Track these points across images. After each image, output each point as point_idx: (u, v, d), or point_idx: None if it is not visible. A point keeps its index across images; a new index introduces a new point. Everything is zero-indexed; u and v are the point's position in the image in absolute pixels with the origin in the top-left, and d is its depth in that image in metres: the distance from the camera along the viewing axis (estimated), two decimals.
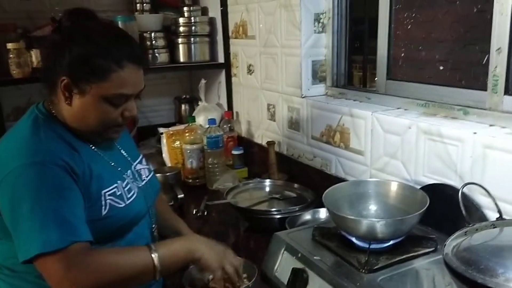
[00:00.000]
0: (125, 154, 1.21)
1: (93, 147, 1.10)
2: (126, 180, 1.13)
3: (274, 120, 1.99)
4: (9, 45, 1.84)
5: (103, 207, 1.04)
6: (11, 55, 1.85)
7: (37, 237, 0.91)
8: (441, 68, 1.42)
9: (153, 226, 1.21)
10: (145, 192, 1.19)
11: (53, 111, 1.07)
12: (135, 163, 1.23)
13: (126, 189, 1.11)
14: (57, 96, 1.05)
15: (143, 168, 1.25)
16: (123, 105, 1.06)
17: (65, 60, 1.01)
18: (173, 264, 1.04)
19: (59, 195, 0.95)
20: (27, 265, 1.03)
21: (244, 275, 1.14)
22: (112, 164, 1.13)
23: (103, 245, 1.05)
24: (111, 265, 0.97)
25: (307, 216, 1.48)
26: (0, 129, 1.83)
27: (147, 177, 1.24)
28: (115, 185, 1.09)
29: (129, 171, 1.18)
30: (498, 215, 0.93)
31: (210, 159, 1.98)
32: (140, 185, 1.18)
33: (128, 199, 1.10)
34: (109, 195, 1.06)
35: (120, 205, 1.07)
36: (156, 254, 1.00)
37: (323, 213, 1.47)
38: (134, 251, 1.03)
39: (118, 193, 1.08)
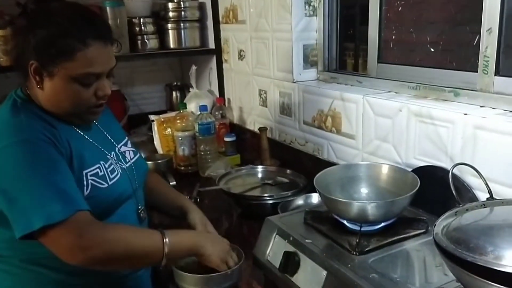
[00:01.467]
0: (108, 136, 1.20)
1: (74, 127, 1.10)
2: (110, 161, 1.13)
3: (266, 106, 1.98)
4: None
5: (85, 187, 1.04)
6: None
7: (39, 210, 0.91)
8: (432, 50, 1.41)
9: (140, 207, 1.21)
10: (130, 173, 1.18)
11: (31, 96, 1.07)
12: (119, 145, 1.22)
13: (109, 169, 1.11)
14: (30, 81, 1.05)
15: (128, 150, 1.25)
16: (94, 85, 1.05)
17: (31, 44, 1.00)
18: (179, 253, 1.06)
19: (53, 168, 0.96)
20: (11, 250, 1.04)
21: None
22: (95, 144, 1.13)
23: None
24: (123, 238, 0.98)
25: (300, 201, 1.48)
26: None
27: (132, 159, 1.23)
28: (97, 165, 1.09)
29: (112, 152, 1.18)
30: (488, 195, 0.93)
31: (202, 146, 1.97)
32: (124, 167, 1.18)
33: (111, 179, 1.10)
34: (91, 175, 1.06)
35: (103, 186, 1.07)
36: (168, 240, 1.01)
37: (315, 198, 1.47)
38: (147, 232, 1.05)
39: (101, 174, 1.08)
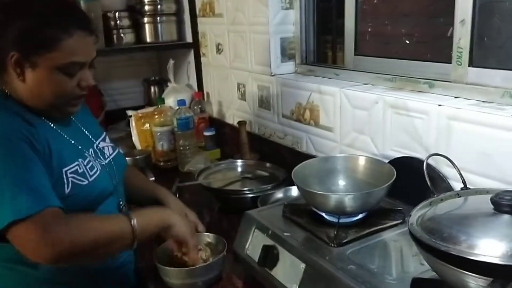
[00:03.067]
0: (86, 132, 1.19)
1: (51, 125, 1.08)
2: (88, 158, 1.12)
3: (245, 100, 1.97)
4: None
5: (66, 185, 1.02)
6: None
7: (8, 206, 0.89)
8: (407, 42, 1.42)
9: (121, 203, 1.20)
10: (109, 169, 1.17)
11: (7, 91, 1.05)
12: (97, 141, 1.21)
13: (88, 166, 1.09)
14: (9, 75, 1.02)
15: (107, 145, 1.24)
16: (77, 75, 1.04)
17: (10, 36, 0.98)
18: (148, 232, 1.04)
19: (25, 167, 0.94)
20: None
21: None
22: (72, 142, 1.11)
23: None
24: (90, 227, 0.96)
25: (279, 194, 1.48)
26: None
27: (111, 154, 1.22)
28: (76, 162, 1.07)
29: (90, 149, 1.16)
30: (462, 185, 0.94)
31: (181, 141, 1.95)
32: (103, 163, 1.16)
33: (91, 176, 1.09)
34: (70, 173, 1.04)
35: (83, 183, 1.06)
36: (135, 221, 0.99)
37: (295, 191, 1.48)
38: (113, 217, 1.04)
39: (80, 171, 1.07)
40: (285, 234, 1.04)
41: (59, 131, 1.09)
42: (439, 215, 0.80)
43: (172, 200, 1.32)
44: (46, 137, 1.02)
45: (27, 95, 1.03)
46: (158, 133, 1.99)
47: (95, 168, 1.11)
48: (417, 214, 0.82)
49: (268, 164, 1.71)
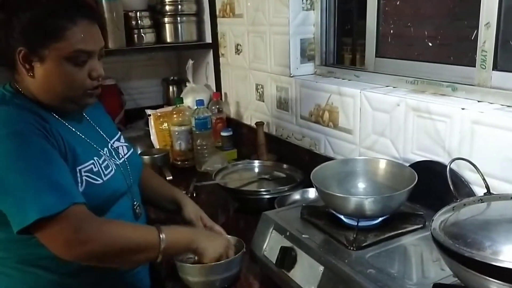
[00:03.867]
0: (100, 131, 1.19)
1: (65, 123, 1.08)
2: (103, 157, 1.11)
3: (263, 101, 1.97)
4: None
5: (80, 184, 1.02)
6: None
7: (34, 203, 0.88)
8: (430, 44, 1.40)
9: (135, 204, 1.19)
10: (124, 169, 1.17)
11: (20, 89, 1.05)
12: (112, 141, 1.21)
13: (103, 165, 1.09)
14: (19, 73, 1.03)
15: (121, 145, 1.23)
16: (87, 65, 1.03)
17: (15, 31, 0.98)
18: (175, 250, 1.05)
19: (46, 160, 0.93)
20: (6, 251, 1.02)
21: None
22: (87, 140, 1.11)
23: None
24: (121, 232, 0.97)
25: (296, 196, 1.47)
26: None
27: (125, 154, 1.22)
28: (91, 161, 1.07)
29: (105, 148, 1.16)
30: (485, 190, 0.93)
31: (198, 141, 1.96)
32: (118, 163, 1.16)
33: (105, 175, 1.08)
34: (85, 171, 1.04)
35: (98, 182, 1.05)
36: (164, 236, 0.99)
37: (312, 193, 1.47)
38: (144, 228, 1.04)
39: (95, 170, 1.06)
40: (303, 236, 1.03)
41: (73, 129, 1.09)
42: (463, 221, 0.79)
43: (188, 203, 1.32)
44: (60, 134, 1.02)
45: (39, 91, 1.03)
46: (176, 133, 2.00)
47: (110, 167, 1.11)
48: (439, 219, 0.81)
49: (285, 166, 1.71)
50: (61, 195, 0.91)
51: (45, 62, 1.00)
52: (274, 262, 1.04)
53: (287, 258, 1.01)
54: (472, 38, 1.22)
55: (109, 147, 1.18)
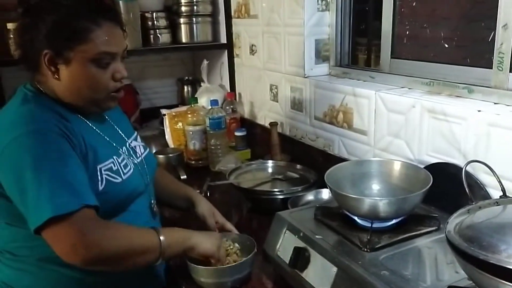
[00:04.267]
0: (119, 130, 1.20)
1: (87, 122, 1.10)
2: (122, 156, 1.13)
3: (277, 101, 1.97)
4: (9, 25, 1.83)
5: (100, 182, 1.03)
6: (11, 35, 1.83)
7: (48, 202, 0.90)
8: (446, 46, 1.39)
9: (152, 202, 1.21)
10: (141, 168, 1.18)
11: (42, 89, 1.06)
12: (130, 140, 1.22)
13: (122, 164, 1.11)
14: (43, 74, 1.04)
15: (138, 145, 1.25)
16: (110, 67, 1.05)
17: (41, 34, 0.99)
18: (172, 250, 1.05)
19: (62, 161, 0.95)
20: (27, 249, 1.03)
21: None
22: (107, 139, 1.13)
23: None
24: (125, 236, 0.98)
25: (310, 196, 1.47)
26: None
27: (142, 154, 1.23)
28: (111, 160, 1.08)
29: (124, 147, 1.17)
30: (501, 193, 0.92)
31: (212, 141, 1.97)
32: (136, 162, 1.18)
33: (124, 174, 1.10)
34: (105, 170, 1.05)
35: (117, 180, 1.07)
36: (162, 237, 1.01)
37: (325, 194, 1.47)
38: (144, 230, 1.04)
39: (115, 168, 1.08)
40: (316, 236, 1.03)
41: (94, 128, 1.11)
42: (478, 223, 0.78)
43: (201, 199, 1.33)
44: (81, 133, 1.04)
45: (64, 93, 1.05)
46: (191, 132, 2.01)
47: (129, 166, 1.13)
48: (454, 221, 0.81)
49: (298, 166, 1.71)
50: (73, 196, 0.92)
51: (70, 64, 1.01)
52: (287, 262, 1.04)
53: (300, 258, 1.02)
54: (489, 39, 1.20)
55: (127, 146, 1.20)
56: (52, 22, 0.99)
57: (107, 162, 1.07)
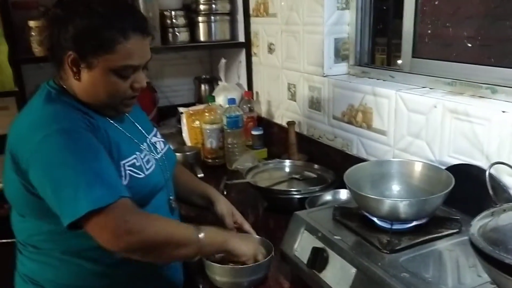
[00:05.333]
0: (139, 127, 1.21)
1: (108, 119, 1.11)
2: (144, 152, 1.14)
3: (295, 100, 1.96)
4: (31, 23, 1.85)
5: (123, 178, 1.04)
6: (33, 33, 1.86)
7: (84, 197, 0.91)
8: (469, 45, 1.37)
9: (171, 198, 1.22)
10: (162, 164, 1.19)
11: (64, 86, 1.07)
12: (150, 136, 1.23)
13: (144, 160, 1.12)
14: (65, 72, 1.05)
15: (158, 140, 1.26)
16: (131, 77, 1.05)
17: (69, 34, 1.00)
18: (211, 248, 1.06)
19: (94, 156, 0.96)
20: (51, 242, 1.05)
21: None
22: (129, 135, 1.14)
23: None
24: (164, 227, 1.00)
25: (328, 196, 1.46)
26: (24, 106, 1.86)
27: (162, 149, 1.24)
28: (134, 155, 1.09)
29: (144, 143, 1.18)
30: None
31: (229, 139, 1.97)
32: (157, 157, 1.19)
33: (147, 169, 1.11)
34: (128, 166, 1.06)
35: (140, 176, 1.08)
36: (202, 234, 1.02)
37: (343, 194, 1.45)
38: (183, 225, 1.06)
39: (138, 164, 1.09)
40: (335, 237, 1.02)
41: (115, 124, 1.12)
42: (502, 226, 0.76)
43: (220, 198, 1.33)
44: (105, 129, 1.05)
45: (81, 93, 1.06)
46: (208, 131, 2.01)
47: (151, 162, 1.14)
48: (478, 224, 0.79)
49: (316, 166, 1.69)
50: (110, 189, 0.94)
51: (92, 70, 1.02)
52: (306, 263, 1.03)
53: (318, 259, 1.01)
54: None
55: (148, 142, 1.21)
56: (82, 28, 0.99)
57: (130, 158, 1.08)
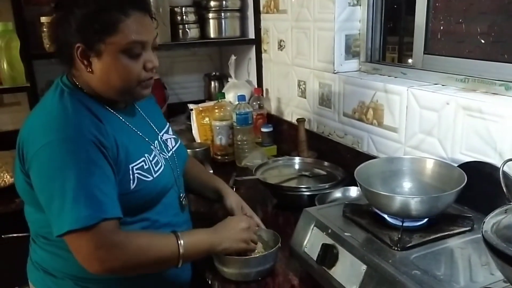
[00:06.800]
0: (151, 123, 1.21)
1: (120, 117, 1.11)
2: (153, 153, 1.13)
3: (305, 97, 1.95)
4: (43, 19, 1.86)
5: (131, 181, 1.05)
6: (44, 29, 1.87)
7: (68, 214, 0.93)
8: (482, 41, 1.35)
9: (181, 195, 1.22)
10: (172, 163, 1.19)
11: (77, 83, 1.08)
12: (161, 133, 1.23)
13: (153, 162, 1.11)
14: (78, 69, 1.05)
15: (170, 137, 1.26)
16: (142, 57, 1.05)
17: (72, 27, 1.00)
18: (195, 255, 1.08)
19: (89, 171, 0.96)
20: None
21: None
22: (139, 134, 1.13)
23: (133, 217, 1.07)
24: (139, 247, 1.00)
25: (337, 194, 1.45)
26: (35, 102, 1.87)
27: (173, 147, 1.24)
28: (143, 158, 1.09)
29: (155, 141, 1.18)
30: None
31: (239, 136, 1.96)
32: (167, 157, 1.18)
33: (155, 172, 1.11)
34: (136, 169, 1.06)
35: (148, 179, 1.08)
36: (182, 242, 1.03)
37: (353, 192, 1.44)
38: (162, 237, 1.06)
39: (146, 167, 1.09)
40: (345, 234, 1.02)
41: (127, 123, 1.11)
42: None
43: (230, 192, 1.34)
44: (113, 133, 1.04)
45: (97, 85, 1.06)
46: (217, 127, 2.01)
47: (160, 163, 1.13)
48: (491, 221, 0.78)
49: (326, 163, 1.69)
50: (94, 209, 0.94)
51: (102, 56, 1.02)
52: (315, 259, 1.03)
53: (328, 255, 1.00)
54: None
55: (159, 139, 1.20)
56: (82, 16, 1.00)
57: (138, 161, 1.08)
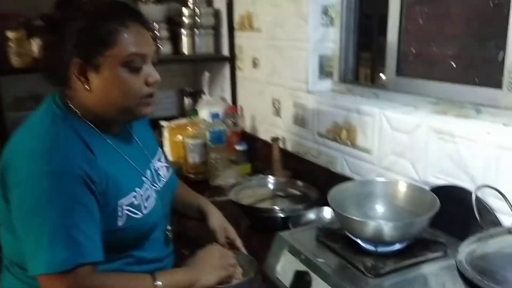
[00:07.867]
0: (144, 149, 1.15)
1: (113, 145, 1.05)
2: (145, 186, 1.08)
3: (279, 116, 1.94)
4: (9, 34, 1.81)
5: (120, 218, 0.99)
6: (11, 44, 1.81)
7: (44, 255, 0.89)
8: (454, 64, 1.37)
9: (168, 228, 1.17)
10: (162, 196, 1.14)
11: (70, 105, 1.01)
12: (154, 160, 1.17)
13: (144, 197, 1.06)
14: (73, 88, 1.00)
15: (162, 166, 1.20)
16: (142, 72, 1.00)
17: (69, 44, 0.95)
18: None
19: (73, 210, 0.92)
20: None
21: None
22: (132, 163, 1.08)
23: (118, 254, 1.02)
24: None
25: (311, 215, 1.44)
26: (1, 119, 1.81)
27: (165, 177, 1.19)
28: (133, 193, 1.03)
29: (148, 171, 1.12)
30: None
31: (213, 154, 1.93)
32: (158, 189, 1.13)
33: (145, 208, 1.05)
34: (126, 205, 1.01)
35: (138, 216, 1.03)
36: (160, 283, 0.98)
37: (327, 212, 1.43)
38: (139, 280, 1.01)
39: (136, 203, 1.03)
40: (318, 260, 1.00)
41: (119, 151, 1.06)
42: (491, 254, 0.75)
43: (213, 212, 1.30)
44: (104, 165, 0.98)
45: (96, 103, 1.00)
46: (191, 146, 1.97)
47: (151, 198, 1.08)
48: (465, 250, 0.77)
49: (300, 183, 1.67)
50: (71, 253, 0.90)
51: (100, 71, 0.97)
52: (288, 287, 1.00)
53: (301, 283, 0.98)
54: (500, 59, 1.18)
55: (152, 169, 1.15)
56: (78, 30, 0.95)
57: (128, 197, 1.02)
